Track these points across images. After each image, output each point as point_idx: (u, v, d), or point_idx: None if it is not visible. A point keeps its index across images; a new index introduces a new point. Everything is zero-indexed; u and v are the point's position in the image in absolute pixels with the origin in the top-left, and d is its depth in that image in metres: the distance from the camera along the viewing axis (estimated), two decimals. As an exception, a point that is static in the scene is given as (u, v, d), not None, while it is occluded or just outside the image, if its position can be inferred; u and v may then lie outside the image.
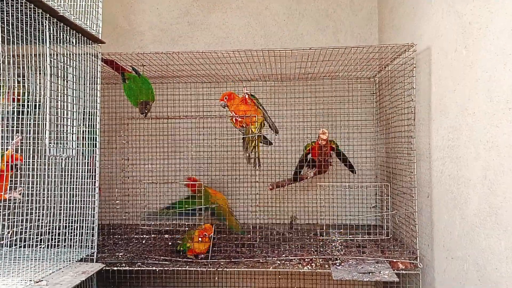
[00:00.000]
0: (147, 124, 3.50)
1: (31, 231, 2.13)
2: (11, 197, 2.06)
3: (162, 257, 2.62)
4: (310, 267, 2.50)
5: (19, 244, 2.02)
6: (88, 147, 2.52)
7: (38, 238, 2.16)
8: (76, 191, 2.44)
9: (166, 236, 3.15)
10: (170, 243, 2.96)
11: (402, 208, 2.74)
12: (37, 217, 2.18)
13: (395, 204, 2.92)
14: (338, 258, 2.55)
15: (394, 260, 2.51)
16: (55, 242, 2.28)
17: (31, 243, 2.14)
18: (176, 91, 3.48)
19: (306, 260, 2.57)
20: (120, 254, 2.71)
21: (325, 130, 2.79)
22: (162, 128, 3.51)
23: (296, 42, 3.67)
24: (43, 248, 2.23)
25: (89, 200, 2.48)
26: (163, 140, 3.54)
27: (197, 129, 3.54)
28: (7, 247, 2.23)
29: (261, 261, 2.58)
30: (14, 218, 2.07)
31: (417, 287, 2.55)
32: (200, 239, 2.54)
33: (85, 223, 2.44)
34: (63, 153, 2.27)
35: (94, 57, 2.50)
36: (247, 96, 2.85)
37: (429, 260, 2.48)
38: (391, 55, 2.73)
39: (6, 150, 2.02)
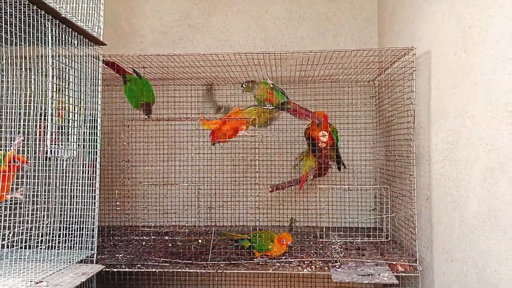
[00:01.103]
0: (148, 126, 3.50)
1: (31, 232, 2.13)
2: (12, 197, 2.06)
3: (162, 259, 2.62)
4: (309, 269, 2.50)
5: (20, 245, 2.02)
6: (89, 148, 2.52)
7: (38, 239, 2.16)
8: (76, 193, 2.44)
9: (166, 237, 3.16)
10: (170, 245, 2.96)
11: (402, 211, 2.75)
12: (37, 218, 2.19)
13: (394, 207, 2.93)
14: (337, 261, 2.56)
15: (394, 263, 2.51)
16: (55, 243, 2.29)
17: (31, 244, 2.15)
18: (177, 93, 3.49)
19: (305, 262, 2.58)
20: (120, 255, 2.71)
21: (325, 133, 2.79)
22: (162, 130, 3.51)
23: (296, 45, 3.68)
24: (44, 249, 2.23)
25: (89, 202, 2.48)
26: (163, 142, 3.55)
27: (197, 131, 3.55)
28: (7, 248, 2.23)
29: (260, 263, 2.58)
30: (14, 219, 2.08)
31: (416, 290, 2.56)
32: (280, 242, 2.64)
33: (85, 225, 2.45)
34: (64, 155, 2.27)
35: (96, 59, 2.51)
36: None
37: (428, 263, 2.48)
38: (391, 58, 2.75)
39: (8, 151, 2.02)
